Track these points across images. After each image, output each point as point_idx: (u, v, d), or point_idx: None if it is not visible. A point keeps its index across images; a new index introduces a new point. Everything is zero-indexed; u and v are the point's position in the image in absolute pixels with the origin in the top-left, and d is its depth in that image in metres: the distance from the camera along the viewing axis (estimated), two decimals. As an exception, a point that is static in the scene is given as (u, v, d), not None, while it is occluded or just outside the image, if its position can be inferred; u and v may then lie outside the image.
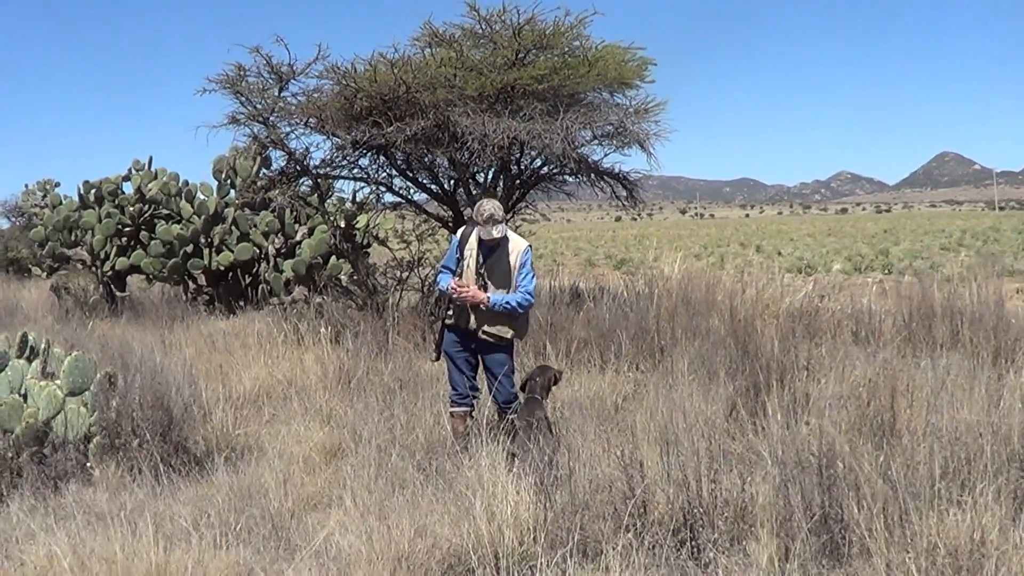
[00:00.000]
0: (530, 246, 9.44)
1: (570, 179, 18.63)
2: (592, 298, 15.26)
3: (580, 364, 12.33)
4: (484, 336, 9.21)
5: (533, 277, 9.29)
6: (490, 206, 9.06)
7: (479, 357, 9.38)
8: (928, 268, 32.39)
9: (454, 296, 9.14)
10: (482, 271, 9.16)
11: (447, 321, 9.42)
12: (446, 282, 9.30)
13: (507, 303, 9.00)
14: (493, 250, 9.23)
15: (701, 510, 6.45)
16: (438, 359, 9.71)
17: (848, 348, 12.40)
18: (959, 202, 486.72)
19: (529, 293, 9.16)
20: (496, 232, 8.99)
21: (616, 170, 18.05)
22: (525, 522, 6.43)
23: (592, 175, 17.92)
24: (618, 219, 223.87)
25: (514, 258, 9.18)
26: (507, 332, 9.18)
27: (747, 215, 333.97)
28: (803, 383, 9.76)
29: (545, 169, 17.93)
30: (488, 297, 9.02)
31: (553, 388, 9.53)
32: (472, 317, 9.17)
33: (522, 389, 9.26)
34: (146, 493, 7.99)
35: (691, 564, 6.27)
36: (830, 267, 36.31)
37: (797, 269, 34.97)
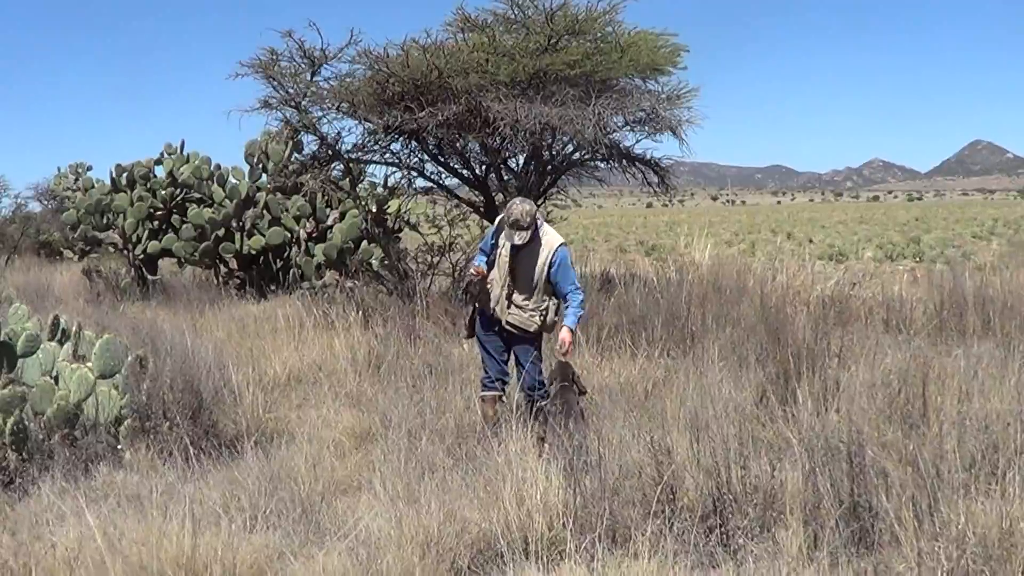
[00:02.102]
0: (565, 243, 9.29)
1: (601, 165, 18.60)
2: (623, 284, 15.22)
3: (611, 350, 12.31)
4: (509, 327, 9.22)
5: (574, 276, 9.26)
6: (518, 211, 8.95)
7: (506, 343, 9.38)
8: (960, 256, 32.23)
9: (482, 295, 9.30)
10: (514, 266, 9.14)
11: (483, 308, 9.41)
12: (480, 262, 9.34)
13: (577, 315, 9.10)
14: (524, 247, 9.16)
15: (730, 497, 6.44)
16: (470, 336, 9.72)
17: (879, 336, 12.37)
18: (991, 190, 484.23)
19: (579, 293, 9.17)
20: (518, 239, 8.93)
21: (648, 156, 18.03)
22: (554, 507, 6.43)
23: (624, 161, 17.89)
24: (649, 205, 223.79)
25: (544, 256, 9.08)
26: (531, 326, 9.16)
27: (778, 202, 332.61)
28: (833, 370, 9.70)
29: (577, 155, 17.90)
30: (571, 330, 9.07)
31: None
32: (497, 305, 9.16)
33: (552, 380, 9.25)
34: (176, 476, 8.00)
35: (720, 550, 6.26)
36: (861, 255, 36.23)
37: (828, 256, 34.85)
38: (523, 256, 9.12)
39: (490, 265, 9.31)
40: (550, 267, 9.06)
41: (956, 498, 5.91)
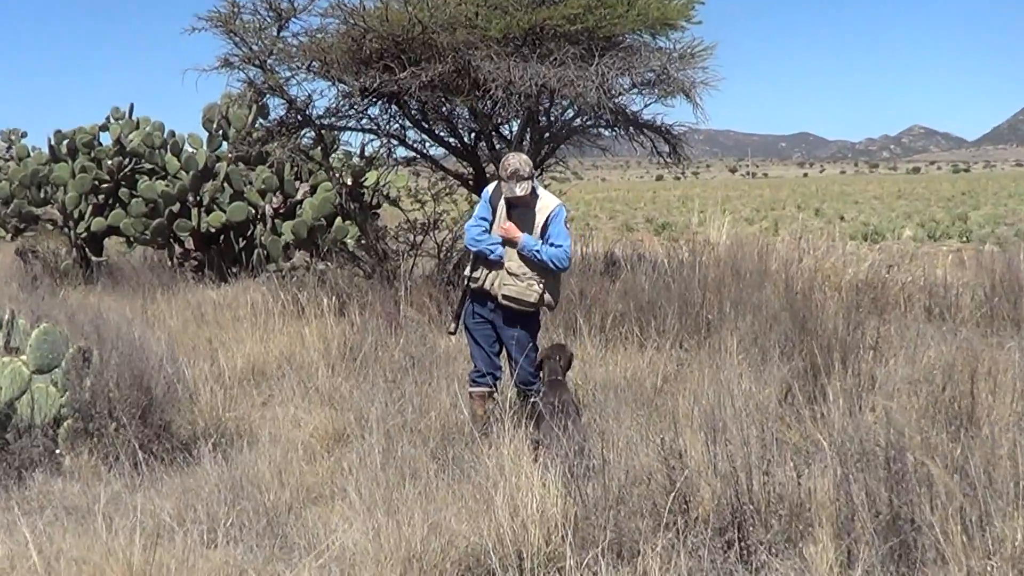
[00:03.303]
0: (562, 205, 9.43)
1: (606, 132, 18.58)
2: (630, 267, 15.23)
3: (616, 341, 12.32)
4: (505, 302, 9.22)
5: (567, 236, 9.28)
6: (516, 161, 9.08)
7: (497, 332, 9.38)
8: (1013, 235, 32.28)
9: (498, 240, 9.27)
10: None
11: (472, 284, 9.43)
12: (475, 232, 9.34)
13: (537, 251, 9.03)
14: (521, 210, 9.26)
15: (752, 507, 6.42)
16: (455, 332, 9.73)
17: (920, 326, 12.36)
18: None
19: (564, 250, 9.17)
20: (519, 190, 9.01)
21: (658, 122, 17.97)
22: (552, 518, 6.42)
23: (630, 128, 17.84)
24: (659, 178, 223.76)
25: (541, 218, 9.19)
26: (531, 295, 9.17)
27: (805, 174, 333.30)
28: (868, 364, 9.71)
29: (577, 121, 17.85)
30: (521, 236, 9.08)
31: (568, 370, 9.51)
32: (496, 278, 9.17)
33: (539, 369, 9.25)
34: (123, 484, 8.01)
35: (740, 568, 6.24)
36: (900, 234, 36.29)
37: (862, 236, 34.86)
38: (519, 220, 9.22)
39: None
40: (545, 226, 9.18)
41: (1011, 510, 5.89)
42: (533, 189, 9.25)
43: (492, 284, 9.23)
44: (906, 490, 6.22)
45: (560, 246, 9.13)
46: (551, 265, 9.11)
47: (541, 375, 9.21)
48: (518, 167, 9.00)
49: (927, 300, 14.17)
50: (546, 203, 9.30)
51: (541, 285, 9.18)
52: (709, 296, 13.22)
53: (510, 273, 9.19)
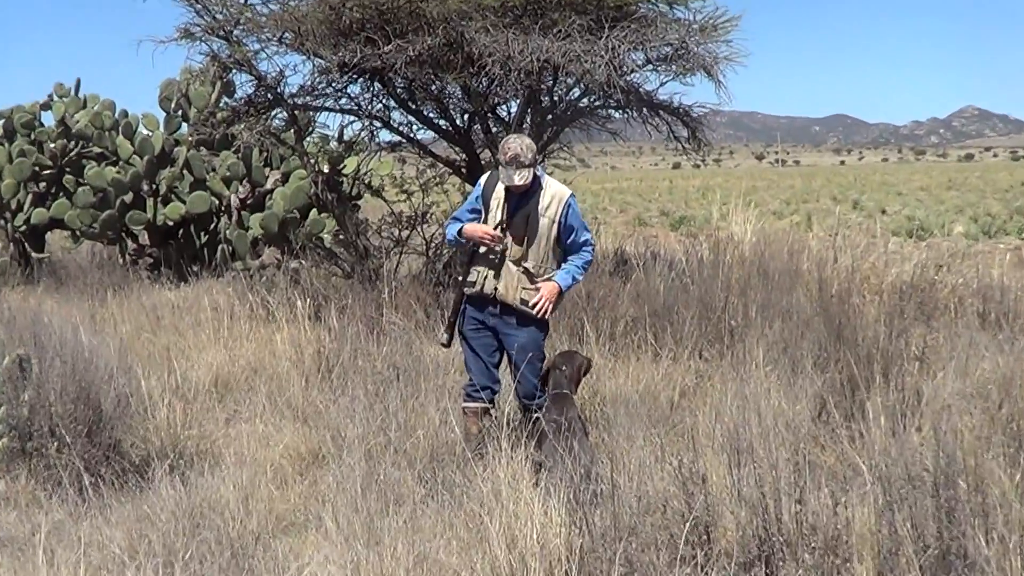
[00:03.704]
0: (573, 194, 9.38)
1: (616, 114, 18.60)
2: (643, 267, 15.21)
3: (627, 350, 12.32)
4: (523, 307, 9.17)
5: (587, 229, 9.33)
6: (517, 144, 9.00)
7: (500, 338, 9.34)
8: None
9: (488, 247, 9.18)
10: (507, 229, 9.11)
11: (467, 290, 9.35)
12: (453, 231, 9.34)
13: (575, 277, 9.16)
14: (523, 201, 9.18)
15: (781, 539, 6.40)
16: (449, 343, 9.69)
17: (973, 334, 12.34)
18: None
19: (591, 246, 9.30)
20: (518, 178, 8.94)
21: (675, 103, 17.95)
22: (555, 551, 6.41)
23: (644, 109, 17.83)
24: (676, 166, 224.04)
25: (554, 210, 9.11)
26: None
27: (842, 162, 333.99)
28: (914, 378, 9.71)
29: (584, 101, 17.85)
30: (559, 286, 9.09)
31: (583, 379, 9.48)
32: (504, 281, 9.13)
33: (543, 381, 9.22)
34: (67, 512, 7.99)
35: (768, 608, 6.25)
36: (950, 229, 36.26)
37: (907, 232, 34.89)
38: (524, 213, 9.14)
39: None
40: (561, 224, 9.12)
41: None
42: (537, 179, 9.17)
43: (499, 288, 9.18)
44: (958, 521, 6.21)
45: (587, 243, 9.24)
46: (584, 271, 9.30)
47: (545, 388, 9.19)
48: (519, 152, 8.89)
49: (981, 305, 14.17)
50: (557, 192, 9.22)
51: None
52: (733, 300, 13.22)
53: (528, 273, 9.13)
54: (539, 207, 9.14)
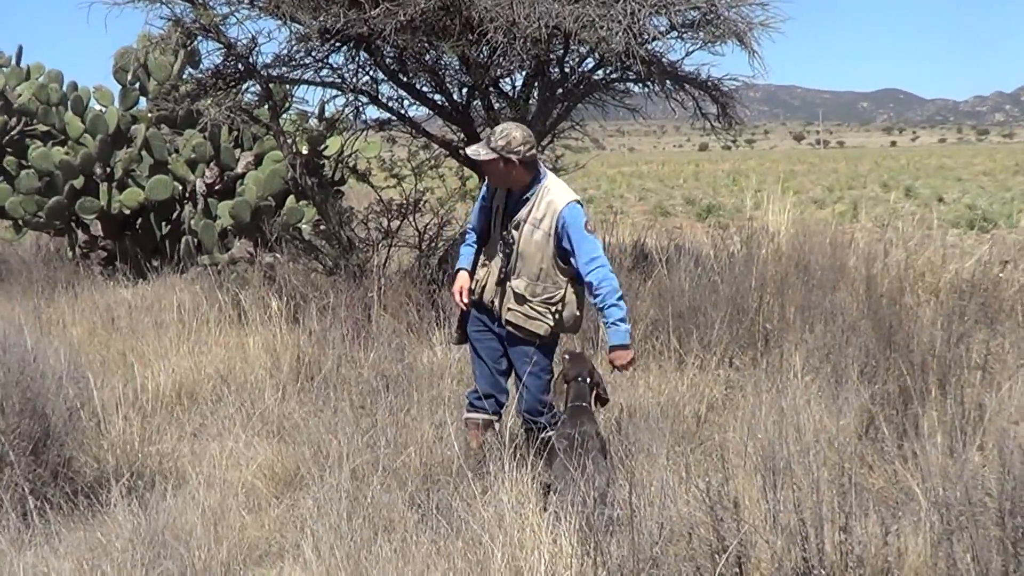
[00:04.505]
0: (574, 201, 9.10)
1: (635, 88, 18.59)
2: (665, 262, 15.24)
3: (648, 356, 12.35)
4: (509, 327, 9.21)
5: (593, 243, 9.01)
6: (501, 125, 9.18)
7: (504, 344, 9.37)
8: None
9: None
10: (505, 233, 9.09)
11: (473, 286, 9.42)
12: (464, 259, 9.48)
13: (625, 319, 8.94)
14: (519, 205, 9.16)
15: (823, 572, 6.43)
16: (462, 341, 9.70)
17: (1043, 340, 12.39)
18: None
19: (608, 268, 8.93)
20: (471, 151, 9.21)
21: (703, 76, 17.94)
22: (566, 584, 6.44)
23: (667, 83, 17.81)
24: (704, 147, 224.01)
25: (548, 224, 8.99)
26: (540, 327, 9.11)
27: (894, 143, 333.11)
28: (975, 389, 9.72)
29: (599, 73, 17.87)
30: (626, 347, 8.99)
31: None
32: (498, 292, 9.14)
33: (567, 392, 9.15)
34: (9, 539, 7.97)
35: (809, 651, 6.27)
36: (1017, 220, 36.25)
37: (967, 223, 34.92)
38: (524, 222, 9.06)
39: (484, 239, 9.34)
40: (558, 236, 8.97)
41: None
42: (535, 181, 9.11)
43: (494, 298, 9.23)
44: (1025, 553, 6.24)
45: (599, 266, 8.87)
46: (620, 294, 8.93)
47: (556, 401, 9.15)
48: (494, 130, 9.04)
49: (1053, 307, 14.21)
50: (550, 203, 9.04)
51: (555, 313, 9.09)
52: (768, 300, 13.26)
53: (516, 295, 9.11)
54: (531, 216, 9.06)
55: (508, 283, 9.10)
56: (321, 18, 15.10)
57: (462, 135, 17.68)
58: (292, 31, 16.32)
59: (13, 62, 23.75)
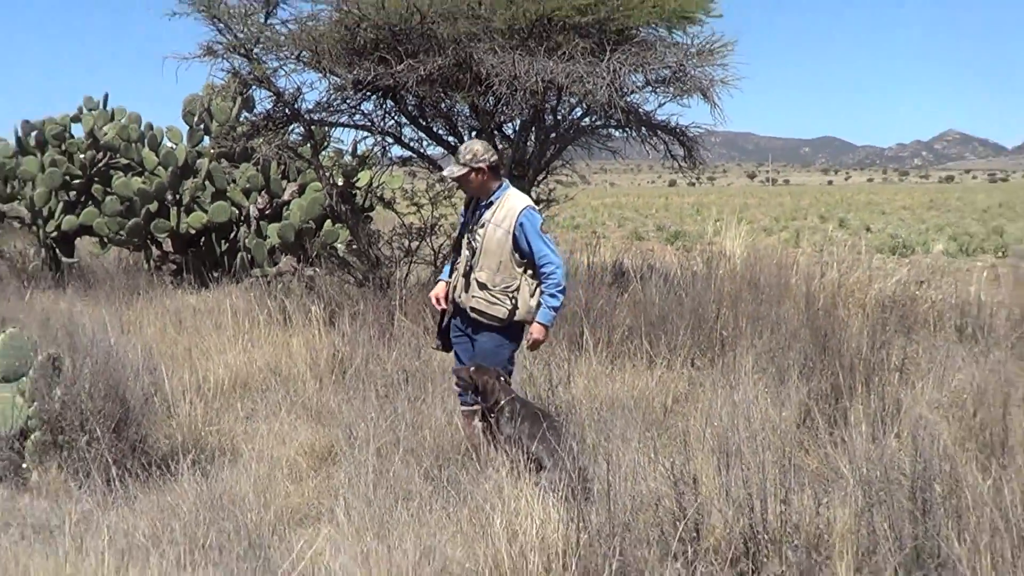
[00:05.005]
0: (530, 207, 9.22)
1: (616, 133, 18.61)
2: (639, 278, 15.24)
3: (624, 357, 12.34)
4: (473, 315, 9.24)
5: (546, 242, 9.04)
6: (466, 143, 9.39)
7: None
8: (1055, 252, 32.30)
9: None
10: (470, 233, 9.21)
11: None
12: (444, 273, 9.66)
13: (554, 307, 9.01)
14: (484, 211, 9.25)
15: (766, 536, 6.44)
16: (444, 348, 9.72)
17: (951, 347, 12.41)
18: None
19: (554, 265, 8.98)
20: (446, 171, 9.39)
21: (672, 123, 17.99)
22: (553, 545, 6.44)
23: (643, 129, 17.86)
24: (672, 183, 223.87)
25: (508, 224, 9.05)
26: (498, 311, 9.11)
27: (830, 181, 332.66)
28: (894, 387, 9.74)
29: (586, 120, 17.90)
30: (543, 326, 9.03)
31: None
32: (462, 287, 9.25)
33: (475, 391, 9.03)
34: (95, 501, 7.98)
35: (753, 602, 6.29)
36: (931, 247, 36.25)
37: (890, 249, 34.86)
38: (487, 223, 9.15)
39: (459, 251, 9.42)
40: (515, 237, 9.03)
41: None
42: (499, 189, 9.22)
43: (461, 294, 9.27)
44: (933, 522, 6.26)
45: (547, 262, 8.97)
46: (562, 288, 9.02)
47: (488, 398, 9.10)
48: (462, 149, 9.15)
49: (958, 319, 14.20)
50: (512, 205, 9.15)
51: (512, 300, 9.08)
52: (724, 311, 13.26)
53: (479, 283, 9.13)
54: (494, 218, 9.12)
55: (472, 275, 9.15)
56: (355, 72, 15.19)
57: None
58: (330, 82, 16.39)
59: (100, 106, 23.72)
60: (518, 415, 8.62)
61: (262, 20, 15.67)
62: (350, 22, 15.22)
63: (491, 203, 9.19)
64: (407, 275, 16.81)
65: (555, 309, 9.00)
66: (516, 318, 9.09)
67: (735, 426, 7.88)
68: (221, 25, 15.59)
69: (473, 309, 9.17)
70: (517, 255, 9.05)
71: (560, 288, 8.97)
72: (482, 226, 9.18)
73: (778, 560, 6.36)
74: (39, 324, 12.84)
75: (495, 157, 9.23)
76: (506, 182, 9.39)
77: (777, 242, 31.24)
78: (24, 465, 8.68)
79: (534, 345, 9.13)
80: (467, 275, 9.17)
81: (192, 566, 6.68)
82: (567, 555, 6.38)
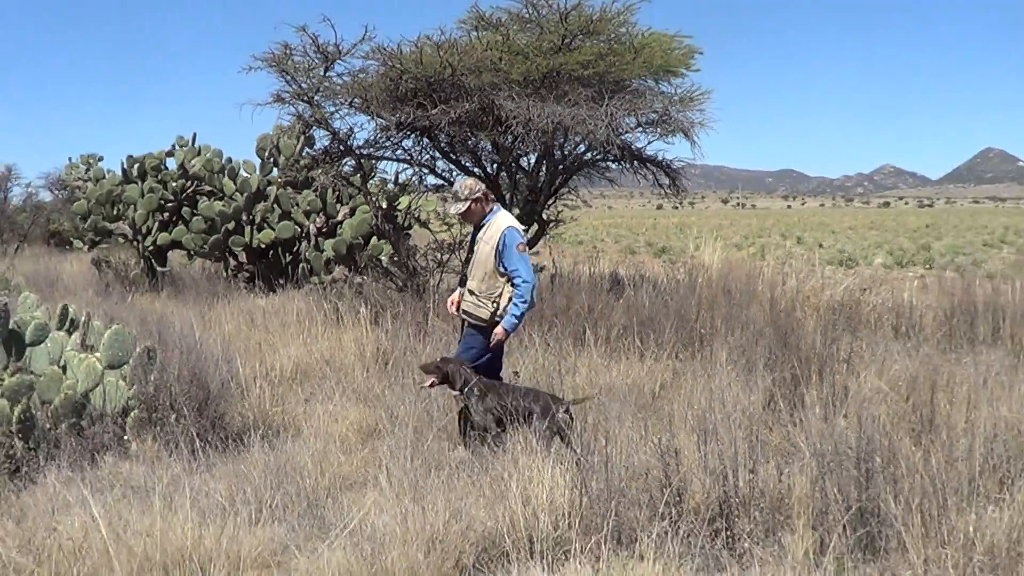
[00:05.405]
0: (513, 227, 9.23)
1: (613, 165, 18.56)
2: (632, 285, 15.23)
3: (620, 351, 12.29)
4: (464, 316, 9.45)
5: (520, 259, 9.04)
6: (459, 182, 9.54)
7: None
8: (970, 264, 32.26)
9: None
10: (470, 254, 9.35)
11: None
12: (460, 283, 9.80)
13: (515, 315, 9.04)
14: (479, 231, 9.38)
15: (737, 500, 6.43)
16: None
17: (888, 342, 12.40)
18: (1002, 199, 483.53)
19: (521, 279, 9.00)
20: (452, 209, 9.38)
21: (659, 158, 17.96)
22: (560, 507, 6.43)
23: (635, 162, 17.85)
24: (659, 207, 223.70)
25: (493, 240, 9.11)
26: (482, 313, 9.19)
27: (789, 206, 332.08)
28: (842, 376, 9.70)
29: (588, 155, 17.89)
30: (504, 330, 9.09)
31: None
32: (460, 294, 9.54)
33: (444, 380, 9.02)
34: (182, 467, 8.00)
35: (725, 554, 6.27)
36: (872, 260, 36.18)
37: (838, 262, 34.79)
38: (479, 241, 9.27)
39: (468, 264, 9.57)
40: (498, 252, 9.07)
41: (964, 506, 5.91)
42: (490, 212, 9.35)
43: (460, 300, 9.54)
44: (874, 487, 6.25)
45: (518, 276, 8.99)
46: (525, 301, 9.02)
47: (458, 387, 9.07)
48: (457, 188, 9.34)
49: (895, 320, 14.15)
50: (499, 224, 9.22)
51: (494, 303, 9.12)
52: (702, 313, 13.22)
53: (470, 291, 9.30)
54: (485, 235, 9.21)
55: (467, 283, 9.36)
56: (397, 115, 15.19)
57: (493, 196, 17.62)
58: (377, 124, 16.36)
59: (190, 143, 23.85)
60: (486, 390, 8.73)
61: (322, 73, 15.68)
62: (394, 75, 15.23)
63: (483, 224, 9.30)
64: (439, 282, 16.76)
65: (517, 317, 9.05)
66: (496, 318, 9.15)
67: (712, 408, 7.83)
68: (288, 77, 15.61)
69: (465, 312, 9.36)
70: (500, 267, 9.09)
71: (523, 300, 9.01)
72: (476, 243, 9.31)
73: (747, 519, 6.34)
74: (138, 322, 12.84)
75: (485, 187, 9.45)
76: (497, 206, 9.50)
77: (746, 256, 31.15)
78: (125, 437, 8.69)
79: (495, 344, 9.17)
80: (462, 283, 9.31)
81: (261, 522, 6.67)
82: (572, 515, 6.37)
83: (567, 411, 8.49)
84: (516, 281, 8.98)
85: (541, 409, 8.38)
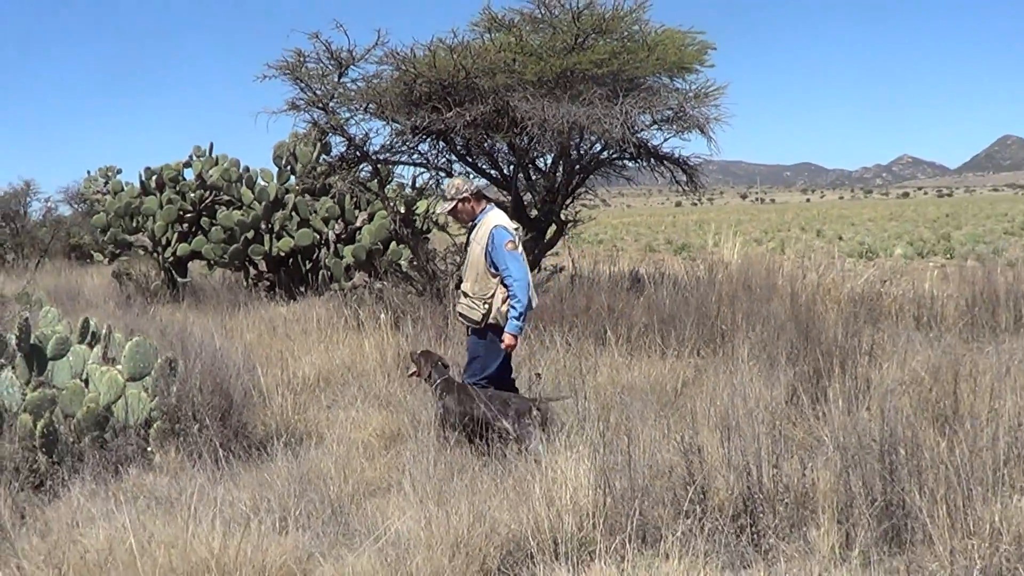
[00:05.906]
0: (500, 225, 9.11)
1: (630, 164, 18.56)
2: (653, 283, 15.19)
3: (641, 349, 12.28)
4: (459, 319, 9.46)
5: (509, 257, 8.93)
6: (447, 182, 9.79)
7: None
8: (991, 253, 32.11)
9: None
10: (461, 253, 9.38)
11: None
12: None
13: (515, 316, 8.96)
14: (473, 228, 9.37)
15: (761, 496, 6.41)
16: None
17: (910, 333, 12.36)
18: (1022, 186, 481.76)
19: (513, 278, 8.90)
20: (439, 208, 9.48)
21: (676, 155, 17.98)
22: (584, 507, 6.41)
23: (652, 160, 17.87)
24: (678, 204, 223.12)
25: (483, 240, 9.06)
26: (475, 314, 9.14)
27: (808, 200, 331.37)
28: (864, 368, 9.67)
29: (605, 154, 17.89)
30: (512, 335, 9.04)
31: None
32: (456, 296, 9.46)
33: (419, 374, 9.28)
34: (206, 478, 7.98)
35: (751, 550, 6.25)
36: (892, 251, 36.06)
37: (858, 254, 34.66)
38: (471, 242, 9.27)
39: None
40: (487, 252, 9.02)
41: (990, 496, 5.88)
42: (484, 208, 9.35)
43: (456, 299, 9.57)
44: (898, 479, 6.24)
45: (508, 275, 8.91)
46: (521, 307, 8.91)
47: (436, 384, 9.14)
48: (445, 188, 9.44)
49: (916, 311, 14.12)
50: (487, 223, 9.16)
51: (487, 304, 9.04)
52: (723, 309, 13.18)
53: (464, 293, 9.25)
54: (477, 236, 9.18)
55: (461, 285, 9.36)
56: (412, 119, 15.27)
57: (509, 198, 17.63)
58: (393, 128, 16.46)
59: (207, 153, 23.90)
60: (451, 390, 8.91)
61: (336, 79, 15.70)
62: (408, 79, 15.26)
63: (475, 224, 9.28)
64: (458, 286, 16.76)
65: (518, 319, 8.95)
66: (490, 320, 9.08)
67: (734, 405, 7.83)
68: (303, 85, 15.66)
69: (460, 314, 9.33)
70: (491, 268, 9.03)
71: (516, 300, 8.90)
72: (468, 244, 9.31)
73: (771, 515, 6.33)
74: (159, 333, 12.85)
75: (474, 186, 9.42)
76: (490, 205, 9.45)
77: (766, 251, 31.03)
78: (149, 448, 8.70)
79: (507, 348, 9.12)
80: (457, 286, 9.30)
81: (285, 530, 6.67)
82: (596, 515, 6.35)
83: (542, 408, 8.54)
84: (508, 281, 8.90)
85: (516, 412, 8.47)
